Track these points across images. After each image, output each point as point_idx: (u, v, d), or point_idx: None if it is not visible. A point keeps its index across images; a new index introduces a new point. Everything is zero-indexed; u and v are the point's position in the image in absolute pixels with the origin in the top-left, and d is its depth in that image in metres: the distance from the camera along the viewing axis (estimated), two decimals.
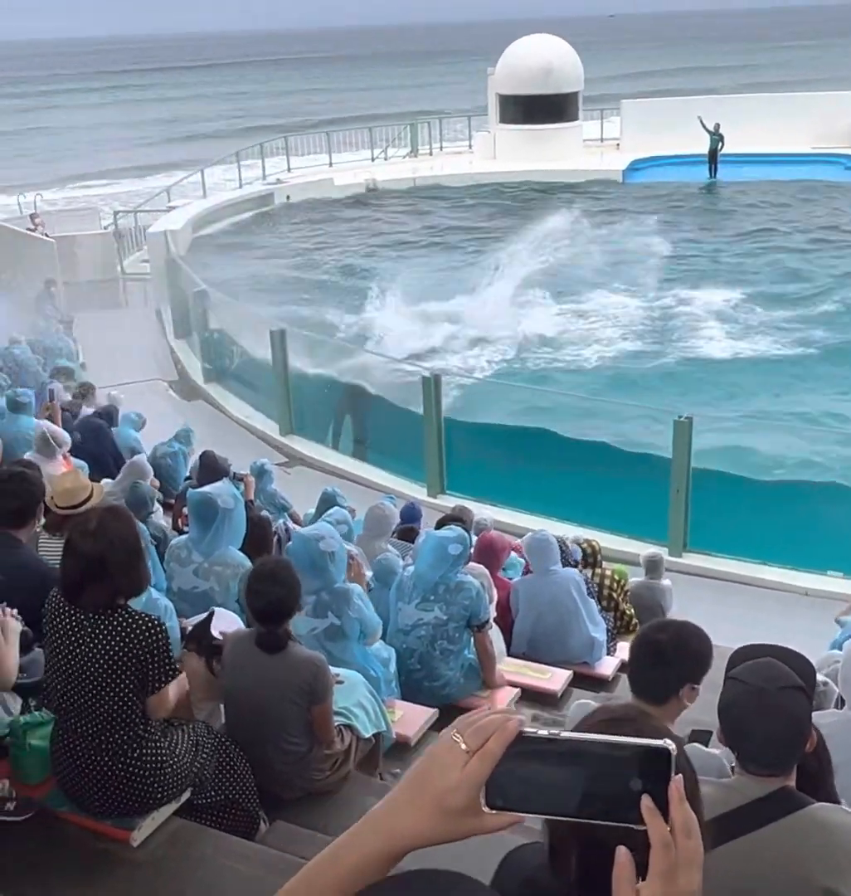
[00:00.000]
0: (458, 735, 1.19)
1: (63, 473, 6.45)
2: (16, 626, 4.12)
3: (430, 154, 33.56)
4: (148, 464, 8.28)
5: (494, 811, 1.16)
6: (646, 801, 1.12)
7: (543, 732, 1.16)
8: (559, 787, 1.14)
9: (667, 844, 1.13)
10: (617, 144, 32.67)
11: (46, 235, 21.74)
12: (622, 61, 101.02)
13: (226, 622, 4.76)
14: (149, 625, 3.65)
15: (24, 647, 4.21)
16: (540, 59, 31.21)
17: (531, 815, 1.16)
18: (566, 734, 1.16)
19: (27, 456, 8.05)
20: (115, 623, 3.62)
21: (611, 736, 1.18)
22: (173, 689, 3.79)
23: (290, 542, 5.71)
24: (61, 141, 67.37)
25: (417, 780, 1.21)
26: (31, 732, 3.93)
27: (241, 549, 5.85)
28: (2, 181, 40.22)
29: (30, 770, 3.94)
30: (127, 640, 3.60)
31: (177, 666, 3.81)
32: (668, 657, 3.17)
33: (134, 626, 3.63)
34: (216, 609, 4.89)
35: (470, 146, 33.64)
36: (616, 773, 1.13)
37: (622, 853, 1.15)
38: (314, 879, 1.26)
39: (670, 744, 1.15)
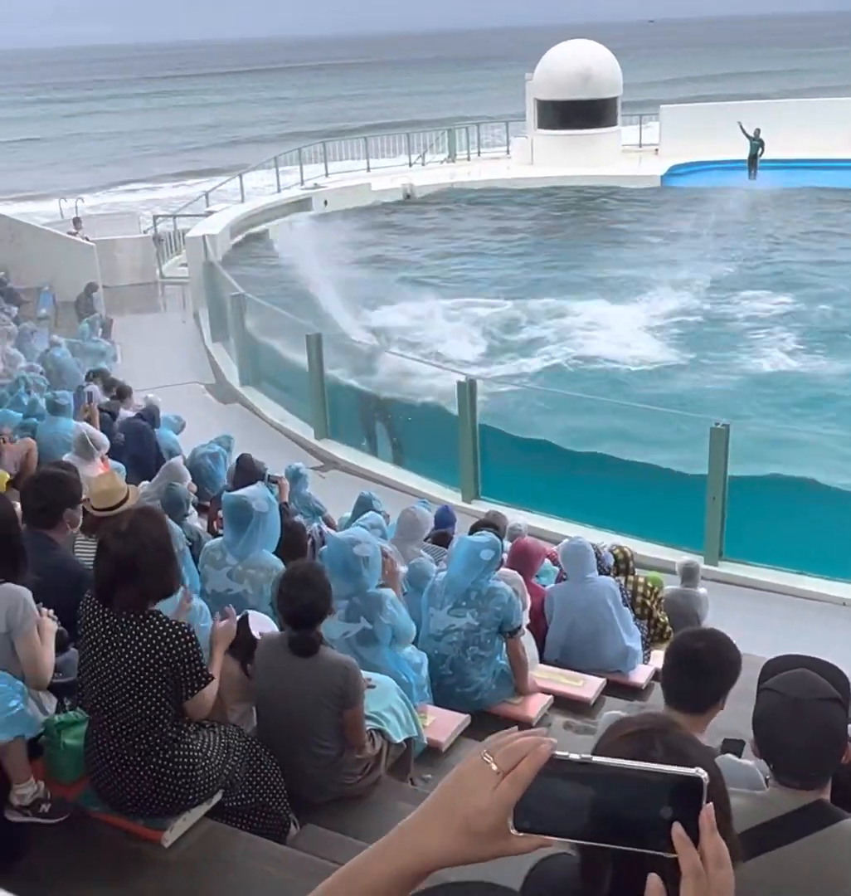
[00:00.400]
0: (489, 755, 1.18)
1: (100, 475, 6.50)
2: (52, 625, 4.16)
3: (468, 159, 33.57)
4: (184, 467, 8.33)
5: (522, 834, 1.15)
6: (678, 830, 1.11)
7: (575, 757, 1.15)
8: (588, 812, 1.13)
9: (699, 874, 1.12)
10: (656, 150, 32.51)
11: (87, 239, 21.98)
12: (662, 67, 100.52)
13: (259, 625, 4.77)
14: (180, 633, 3.67)
15: (60, 647, 4.25)
16: (578, 64, 31.14)
17: (559, 839, 1.15)
18: (598, 759, 1.15)
19: (65, 458, 8.12)
20: (147, 628, 3.65)
21: (644, 763, 1.16)
22: (209, 692, 3.81)
23: (325, 546, 5.72)
24: (105, 146, 68.19)
25: (446, 799, 1.20)
26: (66, 731, 3.96)
27: (276, 555, 5.87)
28: (46, 187, 40.77)
29: (64, 769, 3.97)
30: (158, 646, 3.63)
31: (210, 672, 3.83)
32: (708, 667, 3.16)
33: (164, 633, 3.65)
34: (249, 612, 4.91)
35: (507, 151, 33.61)
36: (647, 800, 1.13)
37: (653, 880, 1.14)
38: (334, 893, 1.25)
39: (702, 773, 1.14)
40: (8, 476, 7.29)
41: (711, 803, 1.13)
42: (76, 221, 23.85)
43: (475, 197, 29.87)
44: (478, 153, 34.06)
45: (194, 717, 3.85)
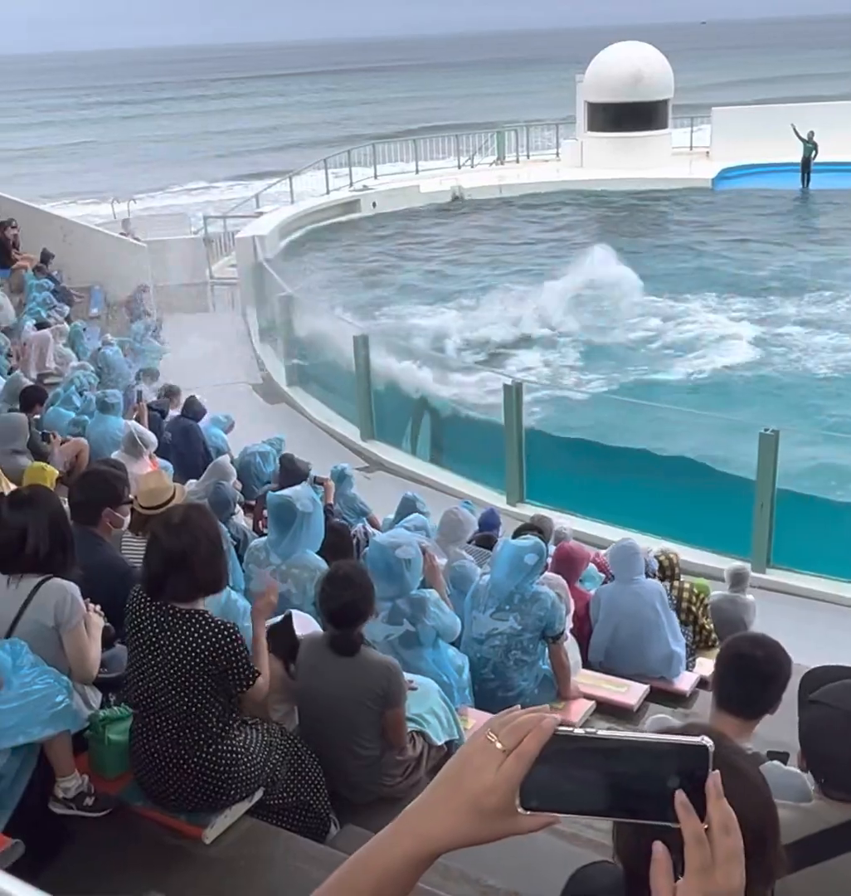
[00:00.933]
0: (493, 734, 1.17)
1: (147, 474, 6.58)
2: (99, 621, 4.21)
3: (517, 162, 33.48)
4: (231, 465, 8.39)
5: (529, 812, 1.14)
6: (680, 797, 1.11)
7: (580, 731, 1.14)
8: (595, 786, 1.12)
9: (700, 840, 1.11)
10: (707, 152, 32.20)
11: (137, 240, 22.24)
12: (714, 69, 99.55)
13: (303, 625, 4.79)
14: (226, 632, 3.69)
15: (106, 643, 4.30)
16: (629, 66, 30.94)
17: (566, 815, 1.14)
18: (603, 732, 1.14)
19: (114, 455, 8.22)
20: (194, 627, 3.67)
21: (649, 735, 1.16)
22: (261, 682, 3.85)
23: (368, 549, 5.73)
24: (161, 148, 69.08)
25: (451, 780, 1.19)
26: (111, 727, 4.01)
27: (321, 555, 5.89)
28: (103, 189, 41.32)
29: (108, 764, 4.02)
30: (204, 645, 3.66)
31: (256, 668, 3.85)
32: (766, 674, 3.17)
33: (211, 632, 3.67)
34: (292, 611, 4.93)
35: (557, 154, 33.49)
36: (653, 771, 1.12)
37: (659, 849, 1.13)
38: (346, 880, 1.24)
39: (707, 740, 1.13)
40: (57, 473, 7.38)
41: (718, 771, 1.11)
42: (125, 223, 24.14)
43: (523, 199, 29.81)
44: (527, 156, 33.96)
45: (249, 708, 3.91)
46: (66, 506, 4.64)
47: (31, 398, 9.55)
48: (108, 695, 4.29)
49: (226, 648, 3.67)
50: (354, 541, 6.81)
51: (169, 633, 3.69)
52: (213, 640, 3.66)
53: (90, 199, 43.30)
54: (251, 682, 3.77)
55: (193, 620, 3.69)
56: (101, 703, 4.24)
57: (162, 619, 3.72)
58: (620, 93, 30.70)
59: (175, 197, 47.41)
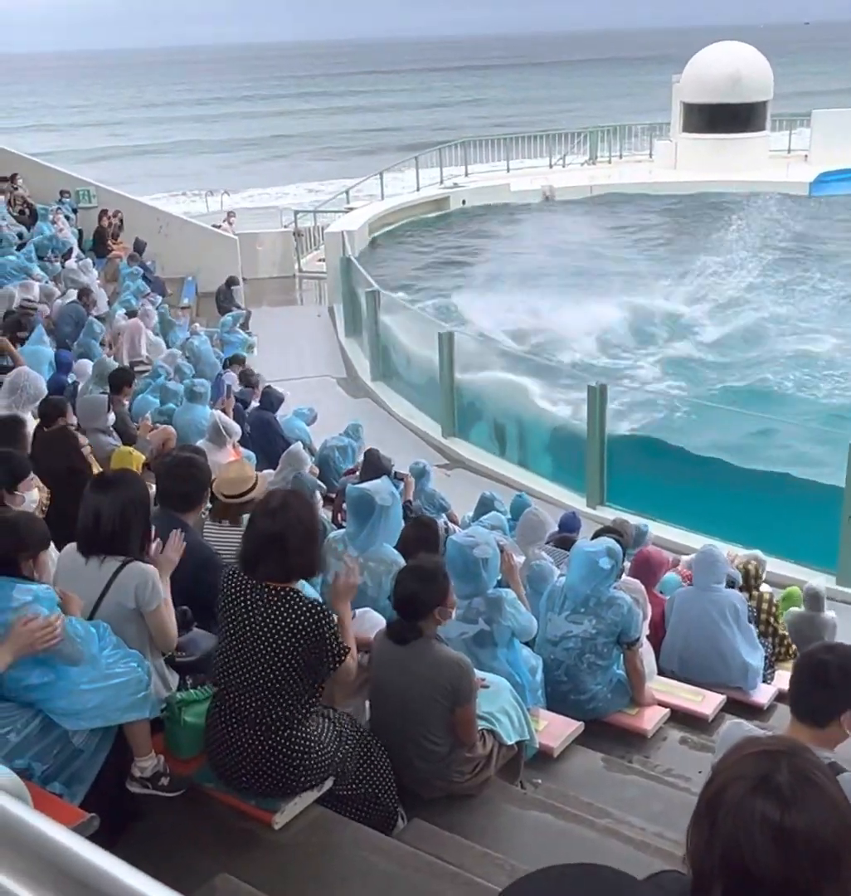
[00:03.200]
0: None
1: (229, 463, 6.66)
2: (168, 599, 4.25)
3: (609, 162, 33.17)
4: (304, 452, 8.45)
5: None
6: None
7: None
8: None
9: None
10: (805, 156, 31.47)
11: (234, 234, 22.63)
12: (816, 70, 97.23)
13: (372, 624, 4.81)
14: (318, 612, 3.76)
15: (183, 627, 4.37)
16: (728, 66, 30.39)
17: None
18: None
19: (199, 444, 8.35)
20: (286, 605, 3.75)
21: None
22: (349, 661, 3.90)
23: (446, 546, 5.73)
24: (259, 146, 70.21)
25: None
26: (187, 709, 4.09)
27: (401, 550, 5.92)
28: (205, 184, 42.07)
29: (183, 745, 4.09)
30: (296, 624, 3.73)
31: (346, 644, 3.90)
32: (832, 678, 3.10)
33: (303, 609, 3.74)
34: (359, 612, 4.96)
35: (650, 155, 33.08)
36: None
37: None
38: None
39: None
40: (144, 458, 7.55)
41: None
42: (230, 215, 24.60)
43: (616, 199, 29.52)
44: (620, 156, 33.62)
45: (336, 692, 4.03)
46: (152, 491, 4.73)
47: (118, 381, 9.61)
48: (185, 678, 4.36)
49: (319, 625, 3.74)
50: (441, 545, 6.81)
51: (262, 609, 3.77)
52: (306, 617, 3.73)
53: (188, 194, 44.26)
54: (342, 658, 3.83)
55: (287, 598, 3.77)
56: (178, 686, 4.32)
57: (255, 596, 3.80)
58: (718, 93, 30.16)
59: (269, 193, 48.09)
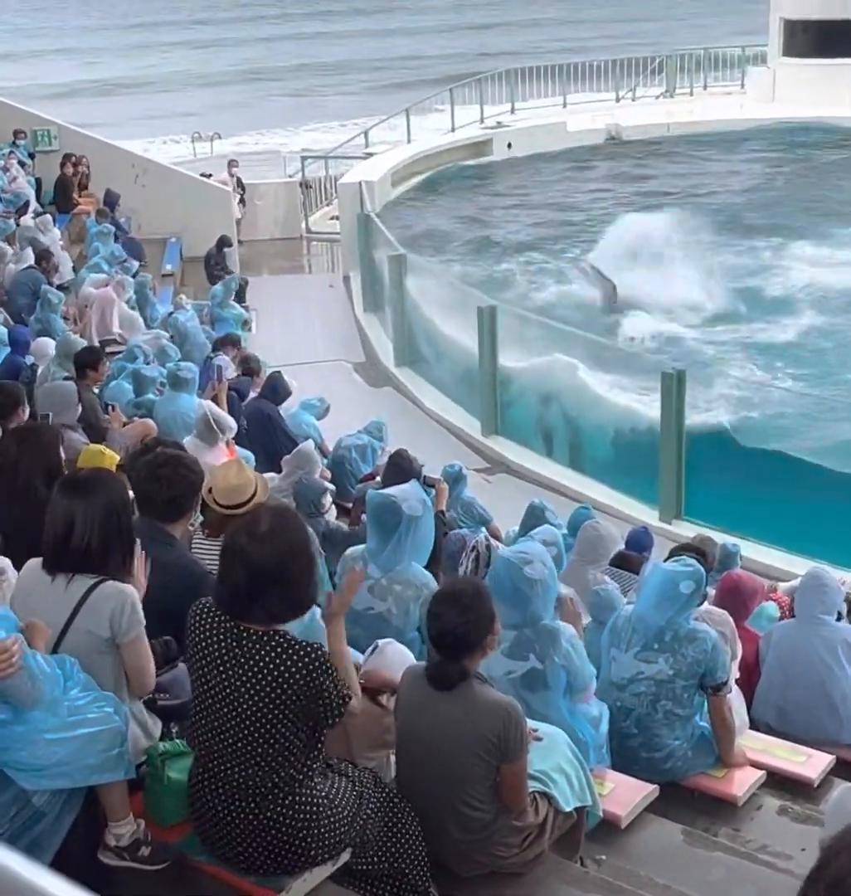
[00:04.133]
0: None
1: (226, 464, 6.66)
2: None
3: (691, 95, 33.03)
4: (315, 452, 8.47)
5: None
6: None
7: None
8: None
9: None
10: None
11: (238, 190, 22.58)
12: None
13: (396, 659, 4.81)
14: (314, 655, 3.74)
15: (169, 661, 4.39)
16: None
17: None
18: None
19: (186, 441, 8.38)
20: (274, 650, 3.73)
21: None
22: (354, 704, 3.91)
23: (493, 565, 5.73)
24: (248, 79, 70.35)
25: None
26: (171, 763, 4.07)
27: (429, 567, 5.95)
28: (184, 129, 42.27)
29: (167, 809, 4.07)
30: (289, 672, 3.71)
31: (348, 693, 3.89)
32: None
33: (296, 656, 3.73)
34: (381, 643, 4.97)
35: (742, 85, 32.92)
36: None
37: None
38: None
39: None
40: (117, 459, 7.56)
41: None
42: (231, 164, 24.30)
43: (696, 139, 29.43)
44: (704, 87, 33.47)
45: (357, 736, 4.17)
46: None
47: (84, 362, 9.61)
48: (169, 724, 4.37)
49: (315, 674, 3.72)
50: (474, 554, 6.83)
51: (242, 660, 3.75)
52: (300, 664, 3.71)
53: (173, 137, 44.39)
54: (343, 709, 3.82)
55: (273, 644, 3.75)
56: (160, 735, 4.33)
57: (233, 643, 3.78)
58: (828, 7, 29.95)
59: (269, 137, 48.11)
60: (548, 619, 5.40)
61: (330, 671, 3.78)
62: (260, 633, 3.77)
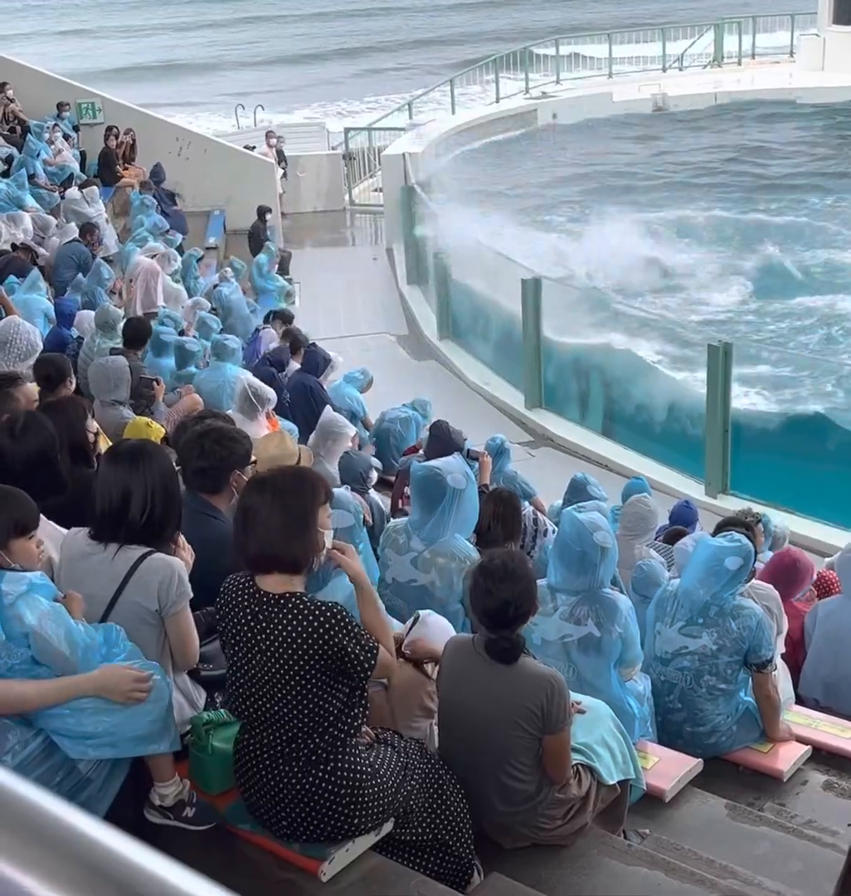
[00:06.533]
0: None
1: (267, 436, 6.70)
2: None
3: (739, 64, 32.68)
4: (341, 419, 8.44)
5: None
6: None
7: None
8: None
9: None
10: None
11: (280, 162, 22.56)
12: None
13: (439, 631, 4.83)
14: (329, 615, 3.70)
15: (209, 632, 4.40)
16: None
17: None
18: None
19: (229, 413, 8.38)
20: (294, 612, 3.71)
21: None
22: (383, 655, 3.89)
23: (562, 527, 5.69)
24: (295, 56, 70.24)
25: None
26: (216, 732, 4.07)
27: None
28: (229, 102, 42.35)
29: (211, 777, 4.08)
30: (304, 634, 3.68)
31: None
32: None
33: (310, 617, 3.70)
34: (422, 614, 4.98)
35: (791, 54, 32.52)
36: None
37: None
38: None
39: None
40: (163, 432, 7.59)
41: None
42: (269, 135, 24.13)
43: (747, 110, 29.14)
44: (753, 56, 33.09)
45: (396, 698, 4.20)
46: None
47: (138, 333, 9.61)
48: (213, 695, 4.39)
49: (333, 631, 3.69)
50: (521, 526, 6.85)
51: (263, 624, 3.74)
52: (316, 624, 3.69)
53: (213, 111, 44.45)
54: (373, 661, 3.79)
55: (290, 606, 3.73)
56: (205, 704, 4.35)
57: (255, 607, 3.77)
58: None
59: (313, 109, 48.09)
60: (608, 588, 5.44)
61: (348, 628, 3.74)
62: (276, 596, 3.76)
